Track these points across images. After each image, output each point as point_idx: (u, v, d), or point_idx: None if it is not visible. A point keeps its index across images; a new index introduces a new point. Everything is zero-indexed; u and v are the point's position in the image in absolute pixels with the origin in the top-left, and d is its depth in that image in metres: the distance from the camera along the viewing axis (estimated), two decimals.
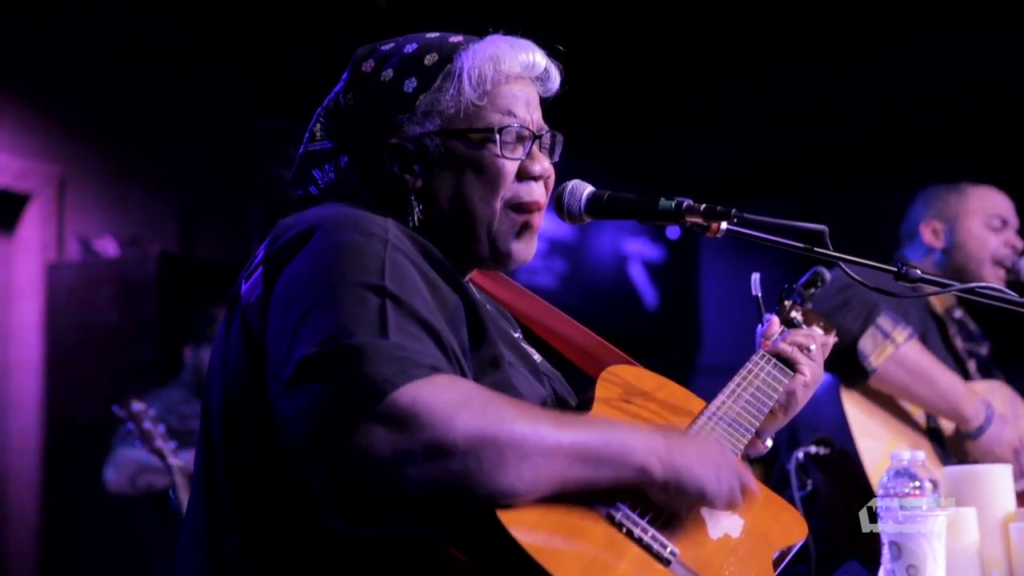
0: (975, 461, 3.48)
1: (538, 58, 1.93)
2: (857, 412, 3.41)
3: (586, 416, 1.77)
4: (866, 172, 8.62)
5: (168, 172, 6.48)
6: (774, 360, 2.17)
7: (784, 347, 2.19)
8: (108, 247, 6.03)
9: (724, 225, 1.98)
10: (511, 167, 1.88)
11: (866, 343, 3.36)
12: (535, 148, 1.92)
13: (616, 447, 1.62)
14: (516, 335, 2.07)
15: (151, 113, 6.41)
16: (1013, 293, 2.05)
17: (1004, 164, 5.89)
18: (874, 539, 2.21)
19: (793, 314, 2.33)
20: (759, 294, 2.26)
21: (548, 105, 1.99)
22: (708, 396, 2.06)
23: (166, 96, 6.45)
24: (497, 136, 1.87)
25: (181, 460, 4.46)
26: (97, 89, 6.21)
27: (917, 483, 2.35)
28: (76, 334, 5.87)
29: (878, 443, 3.38)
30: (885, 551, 2.14)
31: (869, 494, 3.18)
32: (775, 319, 2.27)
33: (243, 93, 6.74)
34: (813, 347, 2.21)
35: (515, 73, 1.90)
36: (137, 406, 4.50)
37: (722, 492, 1.70)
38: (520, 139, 1.90)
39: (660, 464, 1.64)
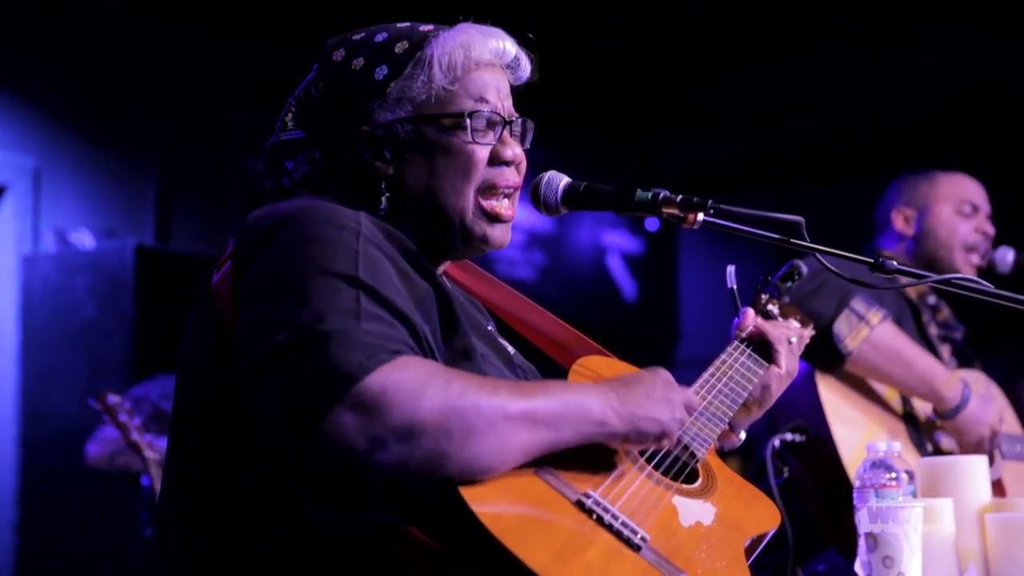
0: (950, 448, 3.49)
1: (508, 46, 1.94)
2: (832, 398, 3.41)
3: (543, 381, 1.78)
4: (848, 168, 8.66)
5: (144, 164, 6.46)
6: (748, 352, 2.18)
7: (761, 331, 2.20)
8: (84, 239, 6.01)
9: (700, 216, 1.98)
10: (482, 152, 1.89)
11: (841, 326, 3.36)
12: (506, 134, 1.92)
13: (574, 406, 1.65)
14: (490, 327, 2.07)
15: (127, 104, 6.38)
16: (988, 284, 2.06)
17: (982, 158, 5.91)
18: (852, 526, 2.21)
19: (769, 307, 2.33)
20: (735, 287, 2.27)
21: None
22: (687, 386, 2.05)
23: (142, 87, 6.42)
24: (467, 121, 1.87)
25: (157, 453, 4.46)
26: (73, 80, 6.18)
27: (893, 474, 2.35)
28: (52, 326, 5.85)
29: (854, 429, 3.38)
30: (861, 542, 2.15)
31: (845, 481, 3.18)
32: (750, 311, 2.27)
33: (220, 84, 6.71)
34: (793, 339, 2.22)
35: (485, 60, 1.91)
36: (112, 399, 4.50)
37: (676, 421, 1.77)
38: (491, 125, 1.90)
39: (617, 416, 1.69)
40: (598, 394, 1.70)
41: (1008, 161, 7.45)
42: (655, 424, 1.73)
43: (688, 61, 7.85)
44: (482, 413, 1.54)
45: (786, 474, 3.17)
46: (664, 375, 1.82)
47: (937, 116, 7.88)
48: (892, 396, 3.52)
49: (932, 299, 3.81)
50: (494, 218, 1.91)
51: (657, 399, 1.75)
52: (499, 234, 1.93)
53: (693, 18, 7.42)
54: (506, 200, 1.93)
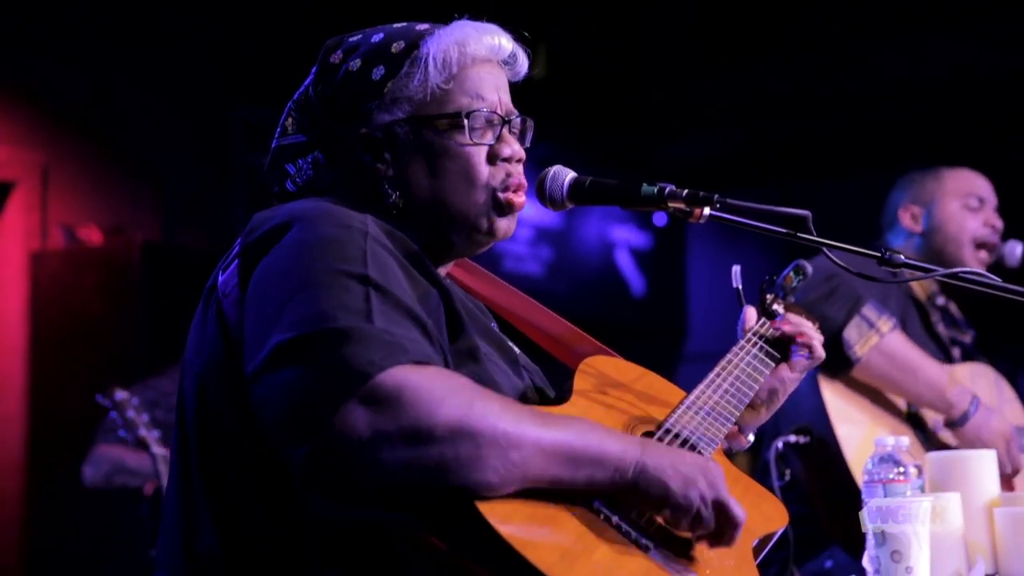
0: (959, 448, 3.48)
1: (504, 41, 1.93)
2: (836, 399, 3.40)
3: (568, 415, 1.75)
4: (847, 162, 8.65)
5: (150, 160, 6.47)
6: (754, 351, 2.16)
7: (783, 333, 2.18)
8: (92, 235, 6.01)
9: (707, 210, 1.97)
10: (480, 152, 1.88)
11: (851, 333, 3.34)
12: (505, 132, 1.91)
13: (593, 448, 1.61)
14: (493, 327, 2.06)
15: (133, 101, 6.39)
16: (996, 278, 2.04)
17: (979, 151, 5.90)
18: (858, 525, 2.20)
19: (775, 307, 2.30)
20: (740, 286, 2.25)
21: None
22: (694, 383, 2.05)
23: (148, 84, 6.42)
24: (465, 121, 1.86)
25: (165, 450, 4.46)
26: (80, 77, 6.19)
27: (901, 469, 2.35)
28: (60, 322, 5.86)
29: (857, 430, 3.37)
30: (869, 537, 2.14)
31: (850, 482, 3.18)
32: (751, 309, 2.25)
33: (223, 81, 6.72)
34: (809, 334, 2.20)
35: (481, 56, 1.90)
36: (120, 395, 4.49)
37: (688, 503, 1.64)
38: (489, 124, 1.89)
39: (632, 468, 1.62)
40: (621, 442, 1.64)
41: (1010, 154, 7.43)
42: (659, 493, 1.63)
43: (669, 56, 7.83)
44: (497, 441, 1.52)
45: (788, 477, 3.15)
46: (716, 468, 1.70)
47: (936, 110, 7.86)
48: (896, 398, 3.50)
49: (941, 299, 3.78)
50: (506, 209, 1.90)
51: (679, 474, 1.64)
52: (506, 224, 1.92)
53: (689, 14, 7.40)
54: (519, 193, 1.92)
